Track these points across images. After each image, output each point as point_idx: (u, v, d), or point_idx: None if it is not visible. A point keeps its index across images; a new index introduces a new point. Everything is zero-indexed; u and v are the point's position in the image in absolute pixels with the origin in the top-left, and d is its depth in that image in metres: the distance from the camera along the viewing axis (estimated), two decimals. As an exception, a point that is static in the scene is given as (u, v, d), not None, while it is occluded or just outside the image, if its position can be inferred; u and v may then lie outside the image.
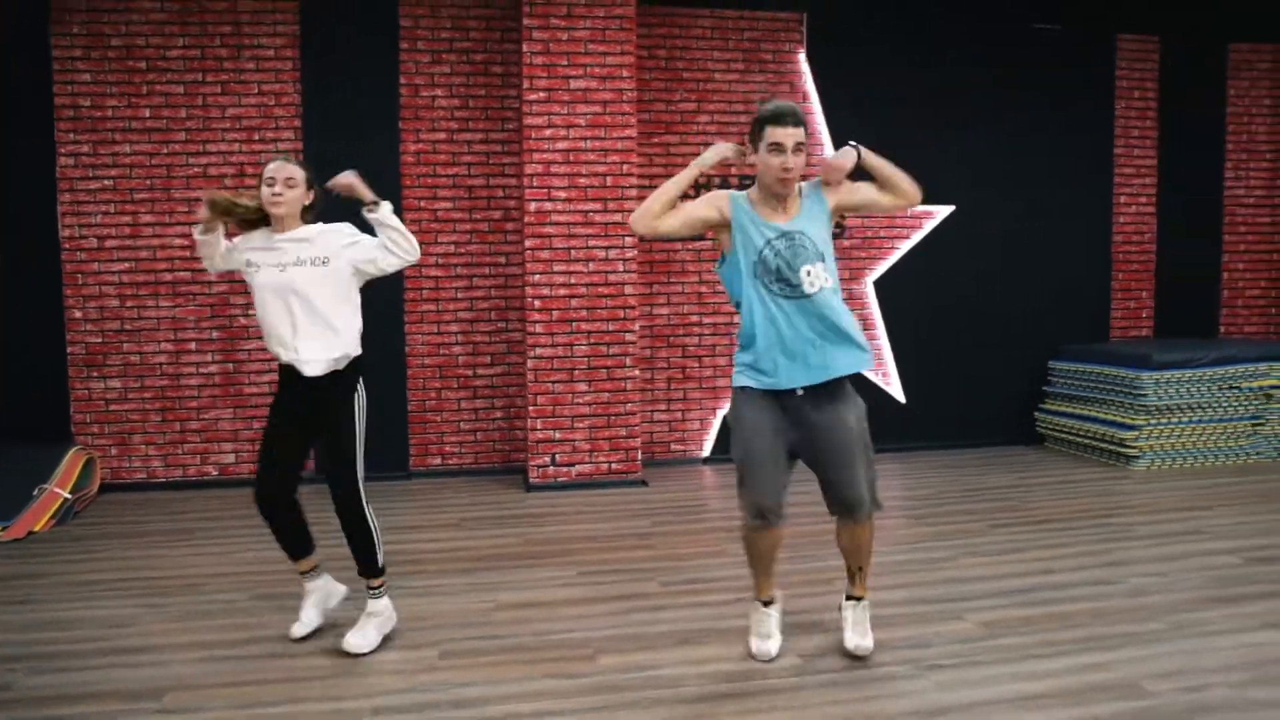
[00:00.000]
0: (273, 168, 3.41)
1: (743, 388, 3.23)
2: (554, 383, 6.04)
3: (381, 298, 6.22)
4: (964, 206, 6.96)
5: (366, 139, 6.17)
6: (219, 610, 4.03)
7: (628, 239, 6.04)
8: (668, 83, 6.55)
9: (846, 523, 3.34)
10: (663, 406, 6.73)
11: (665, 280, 6.65)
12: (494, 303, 6.45)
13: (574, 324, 6.02)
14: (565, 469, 6.09)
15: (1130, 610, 3.76)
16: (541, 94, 5.85)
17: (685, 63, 6.55)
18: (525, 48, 5.84)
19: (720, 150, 3.27)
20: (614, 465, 6.14)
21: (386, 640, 3.60)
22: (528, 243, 5.97)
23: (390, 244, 3.47)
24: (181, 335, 6.20)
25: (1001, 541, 4.76)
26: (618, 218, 5.99)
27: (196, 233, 3.51)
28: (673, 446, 6.77)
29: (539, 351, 6.01)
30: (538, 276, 5.97)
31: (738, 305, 3.27)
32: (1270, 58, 7.57)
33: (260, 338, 6.15)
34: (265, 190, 3.39)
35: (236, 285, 6.20)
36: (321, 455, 3.65)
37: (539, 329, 6.00)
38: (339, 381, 3.48)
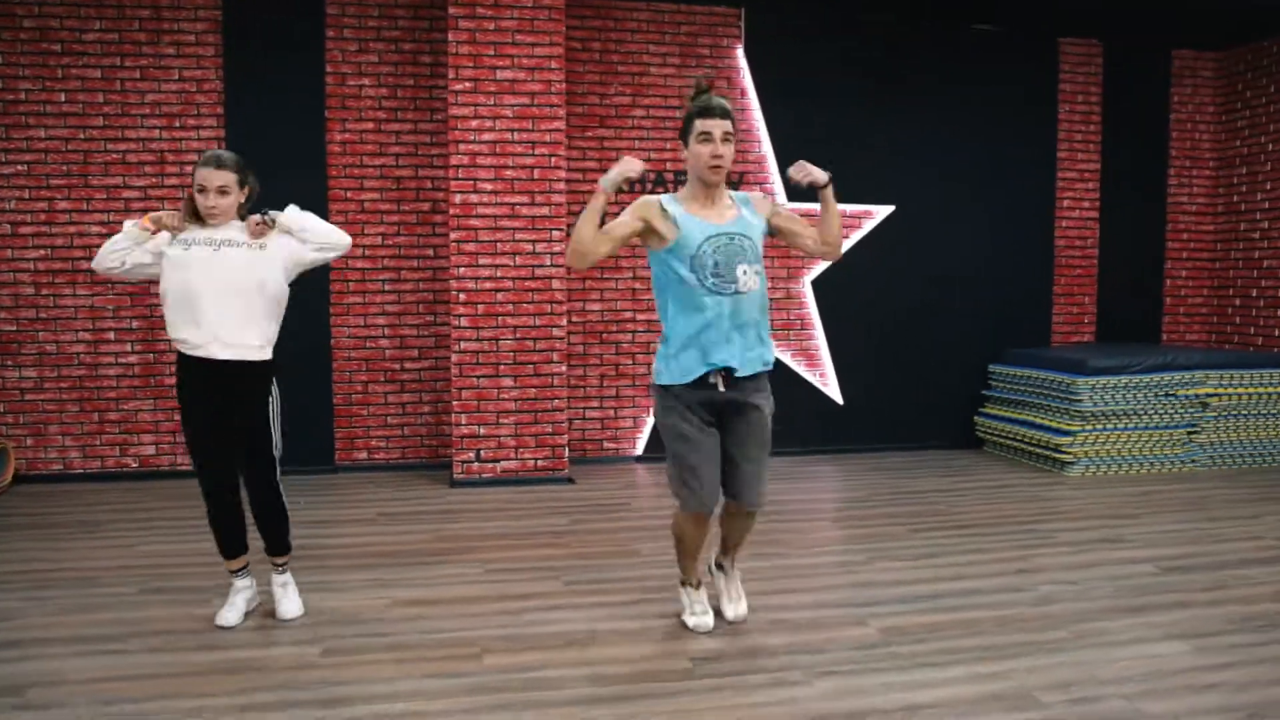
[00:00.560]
0: (203, 175, 3.37)
1: (665, 386, 3.33)
2: (479, 377, 5.92)
3: (307, 288, 6.09)
4: (905, 206, 6.91)
5: (291, 128, 6.03)
6: (104, 604, 3.90)
7: (555, 233, 5.93)
8: (602, 76, 6.44)
9: (740, 511, 3.50)
10: (594, 404, 6.63)
11: (599, 276, 6.54)
12: (422, 296, 6.32)
13: (500, 318, 5.91)
14: (490, 465, 5.98)
15: (1034, 619, 3.69)
16: (468, 84, 5.74)
17: (620, 56, 6.45)
18: (451, 37, 5.71)
19: (623, 169, 3.20)
20: (540, 462, 6.03)
21: (271, 635, 3.50)
22: (453, 235, 5.84)
23: (314, 247, 3.55)
24: (100, 324, 6.03)
25: (919, 546, 4.69)
26: (545, 211, 5.88)
27: (133, 226, 3.42)
28: (605, 444, 6.67)
29: (464, 345, 5.89)
30: (463, 269, 5.85)
31: (661, 297, 3.35)
32: (1213, 65, 7.59)
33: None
34: (199, 199, 3.39)
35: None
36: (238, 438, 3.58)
37: (464, 323, 5.88)
38: (258, 368, 3.54)
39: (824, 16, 6.74)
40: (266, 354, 3.54)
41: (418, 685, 3.11)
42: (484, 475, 5.97)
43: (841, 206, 6.54)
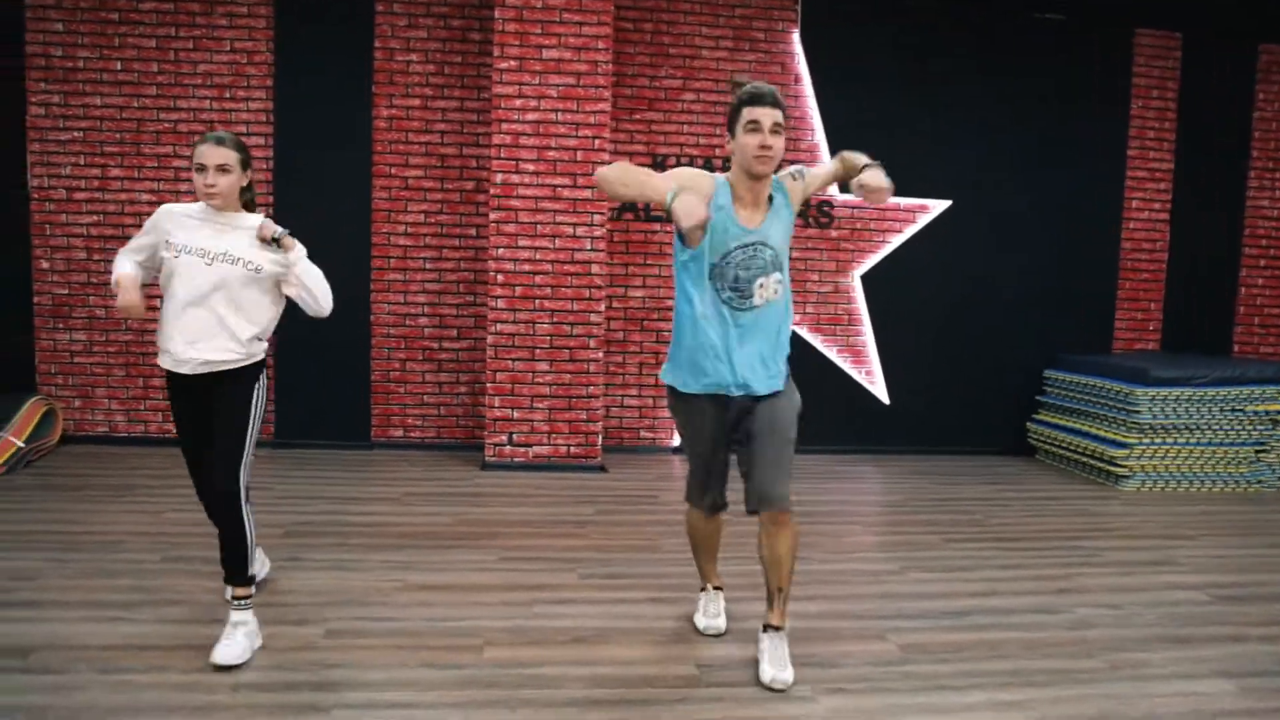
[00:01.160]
0: (203, 152, 3.12)
1: (672, 388, 3.24)
2: (514, 360, 5.85)
3: (348, 265, 6.12)
4: (961, 201, 6.64)
5: (339, 101, 6.03)
6: (124, 570, 3.94)
7: (597, 216, 5.83)
8: (652, 58, 6.30)
9: (767, 518, 3.13)
10: (633, 392, 6.52)
11: (641, 262, 6.42)
12: (463, 275, 6.28)
13: (537, 301, 5.83)
14: (522, 449, 5.92)
15: (1068, 644, 3.48)
16: (513, 62, 5.64)
17: (672, 38, 6.29)
18: (498, 14, 5.63)
19: (685, 210, 2.75)
20: (573, 449, 5.95)
21: (279, 613, 3.46)
22: (493, 215, 5.78)
23: (294, 288, 3.21)
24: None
25: (953, 558, 4.50)
26: (587, 194, 5.77)
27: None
28: (641, 434, 6.57)
29: (500, 328, 5.83)
30: (501, 250, 5.78)
31: (678, 286, 3.19)
32: (1306, 62, 7.15)
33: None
34: (197, 178, 3.14)
35: (203, 243, 6.09)
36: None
37: (501, 304, 5.82)
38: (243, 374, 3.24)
39: (882, 2, 6.50)
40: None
41: (413, 674, 3.06)
42: (515, 459, 5.91)
43: (895, 200, 6.49)
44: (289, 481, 5.49)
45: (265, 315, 3.23)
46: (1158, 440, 6.03)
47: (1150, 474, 6.04)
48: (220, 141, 3.15)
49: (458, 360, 6.34)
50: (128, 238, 5.96)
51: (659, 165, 6.29)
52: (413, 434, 6.36)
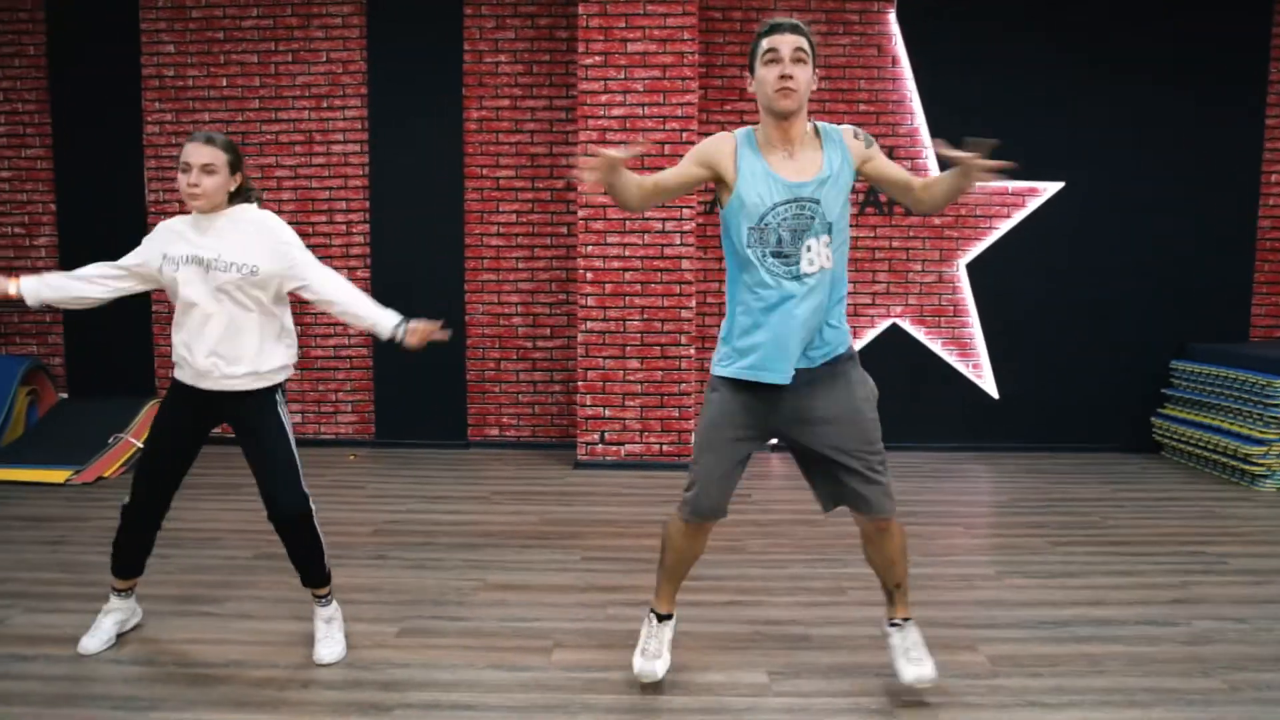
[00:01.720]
0: (188, 150, 2.93)
1: (719, 376, 2.80)
2: (605, 358, 5.82)
3: (442, 266, 6.22)
4: (1075, 183, 6.23)
5: (430, 106, 6.14)
6: (217, 565, 4.09)
7: (685, 210, 5.73)
8: (742, 47, 6.14)
9: (872, 526, 2.85)
10: (728, 390, 6.40)
11: (736, 257, 6.29)
12: (555, 274, 6.29)
13: (627, 298, 5.78)
14: (614, 448, 5.88)
15: (1181, 660, 3.18)
16: (598, 58, 5.60)
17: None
18: (581, 9, 5.60)
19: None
20: (665, 447, 5.88)
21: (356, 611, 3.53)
22: (581, 213, 5.76)
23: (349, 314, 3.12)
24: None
25: (1058, 562, 4.21)
26: (676, 189, 5.69)
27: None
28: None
29: (590, 325, 5.81)
30: (590, 248, 5.76)
31: (727, 260, 2.80)
32: None
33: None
34: (180, 179, 2.94)
35: (311, 247, 6.29)
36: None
37: (590, 302, 5.79)
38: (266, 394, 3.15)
39: (987, -25, 6.17)
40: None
41: (479, 675, 3.04)
42: (608, 458, 5.88)
43: (1004, 183, 6.15)
44: (385, 481, 5.61)
45: (274, 325, 3.09)
46: (1301, 436, 5.53)
47: (1292, 473, 5.55)
48: (208, 140, 2.96)
49: (551, 359, 6.36)
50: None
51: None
52: (508, 433, 6.41)
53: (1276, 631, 3.44)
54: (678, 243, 5.74)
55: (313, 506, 3.16)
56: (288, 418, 3.19)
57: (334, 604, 3.28)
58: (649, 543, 4.46)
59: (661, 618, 3.05)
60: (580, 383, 5.87)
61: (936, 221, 6.27)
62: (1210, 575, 4.07)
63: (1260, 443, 5.55)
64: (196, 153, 2.92)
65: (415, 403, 6.32)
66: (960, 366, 6.38)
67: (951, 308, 6.34)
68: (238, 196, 3.05)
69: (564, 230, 6.25)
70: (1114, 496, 5.39)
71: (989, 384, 6.40)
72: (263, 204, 3.15)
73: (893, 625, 2.95)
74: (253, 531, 4.54)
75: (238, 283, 2.96)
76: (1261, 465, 5.53)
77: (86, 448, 5.66)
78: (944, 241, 6.30)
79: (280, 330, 3.13)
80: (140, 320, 6.37)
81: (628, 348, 5.82)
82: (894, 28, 6.15)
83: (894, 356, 6.27)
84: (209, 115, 6.19)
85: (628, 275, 5.77)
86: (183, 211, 3.18)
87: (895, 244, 6.28)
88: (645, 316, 5.80)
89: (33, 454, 5.62)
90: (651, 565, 4.05)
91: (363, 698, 2.89)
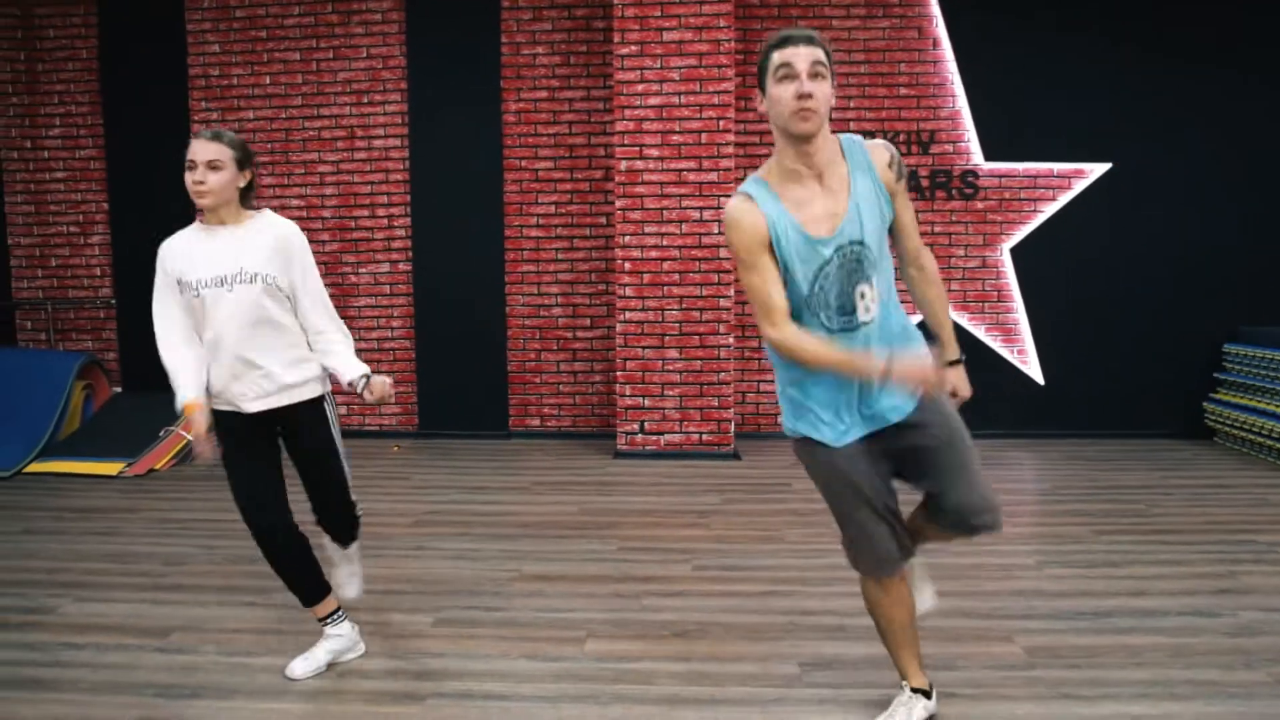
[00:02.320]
0: (194, 147, 2.81)
1: (805, 439, 2.53)
2: (644, 348, 5.83)
3: (482, 259, 6.28)
4: (1123, 163, 6.09)
5: (469, 99, 6.19)
6: (260, 557, 4.14)
7: (722, 199, 5.71)
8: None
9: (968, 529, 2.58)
10: (769, 377, 6.38)
11: (774, 244, 6.25)
12: (594, 265, 6.31)
13: (665, 288, 5.78)
14: (654, 437, 5.90)
15: (1225, 653, 3.10)
16: (633, 47, 5.60)
17: (799, 10, 6.08)
18: (617, -1, 5.61)
19: None
20: (705, 436, 5.88)
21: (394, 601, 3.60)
22: (618, 203, 5.76)
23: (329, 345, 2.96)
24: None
25: (1100, 551, 4.13)
26: (713, 176, 5.67)
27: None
28: (779, 420, 6.40)
29: (629, 316, 5.82)
30: (628, 238, 5.76)
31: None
32: None
33: (369, 294, 6.41)
34: (187, 177, 2.80)
35: (347, 244, 6.40)
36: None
37: (629, 292, 5.80)
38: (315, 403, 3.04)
39: (1031, -48, 6.03)
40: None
41: (512, 665, 3.08)
42: (647, 448, 5.90)
43: (1049, 165, 6.04)
44: (428, 472, 5.69)
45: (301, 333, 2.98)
46: (1361, 421, 5.36)
47: (1353, 459, 5.38)
48: (214, 137, 2.84)
49: (591, 349, 6.39)
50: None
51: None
52: (549, 423, 6.46)
53: (1327, 624, 3.36)
54: (715, 231, 5.72)
55: (359, 513, 3.32)
56: (336, 422, 3.10)
57: (354, 547, 3.38)
58: (687, 533, 4.48)
59: (920, 692, 2.72)
60: (619, 372, 5.89)
61: (979, 206, 6.16)
62: (1260, 564, 3.96)
63: (1318, 428, 5.40)
64: (202, 149, 2.80)
65: (457, 394, 6.40)
66: (1005, 352, 6.28)
67: (995, 293, 6.24)
68: (248, 195, 2.93)
69: (603, 221, 6.26)
70: (1162, 484, 5.27)
71: (1034, 370, 6.30)
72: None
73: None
74: (299, 523, 4.63)
75: (263, 294, 2.84)
76: (1319, 451, 5.38)
77: (139, 441, 5.82)
78: (987, 226, 6.19)
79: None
80: (191, 315, 6.52)
81: (666, 337, 5.82)
82: (935, 9, 6.05)
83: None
84: (253, 113, 6.31)
85: (666, 265, 5.77)
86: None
87: (937, 229, 6.19)
88: (684, 306, 5.79)
89: (87, 447, 5.80)
90: (685, 556, 4.10)
91: (397, 687, 2.94)
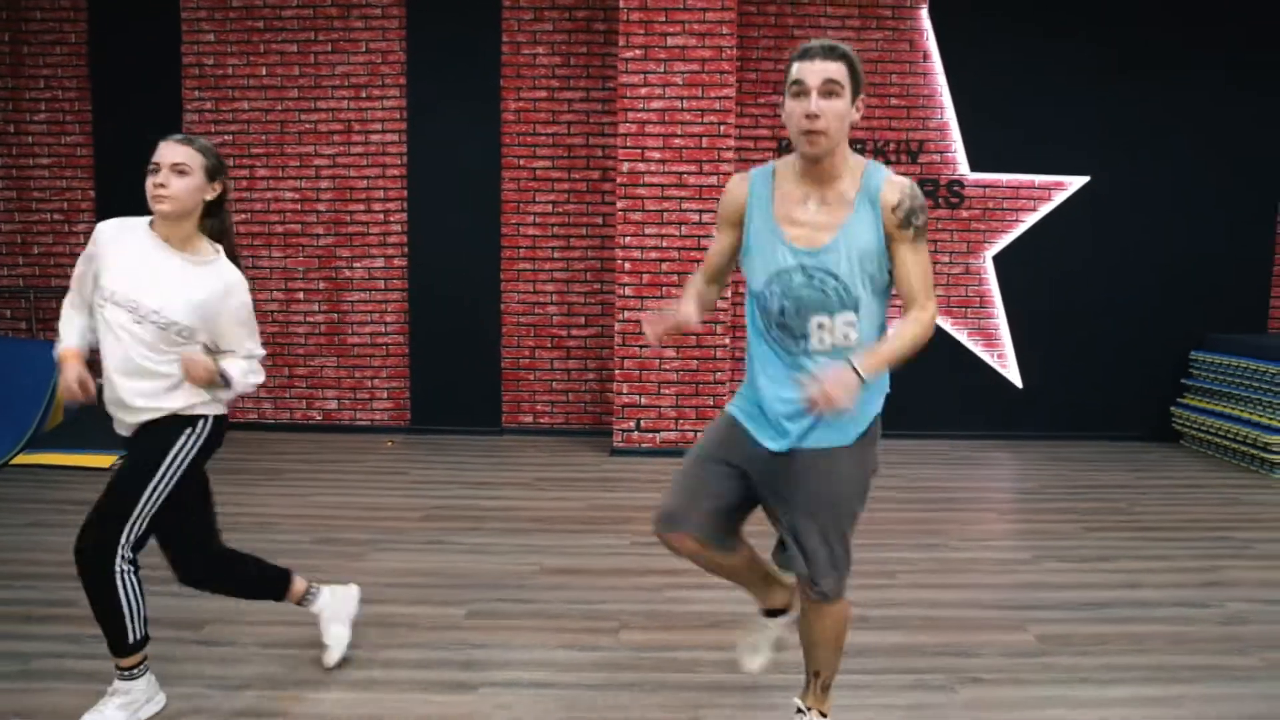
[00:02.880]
0: (160, 149, 2.57)
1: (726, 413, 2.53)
2: (642, 347, 5.94)
3: (478, 255, 6.33)
4: (1099, 176, 6.36)
5: (468, 96, 6.22)
6: (280, 550, 4.14)
7: (722, 203, 5.84)
8: (776, 40, 6.24)
9: (804, 595, 2.47)
10: (758, 378, 6.52)
11: (766, 247, 6.40)
12: (590, 264, 6.39)
13: (664, 288, 5.89)
14: (650, 435, 6.00)
15: (1220, 640, 3.34)
16: (638, 51, 5.69)
17: (796, 19, 6.22)
18: (622, 3, 5.68)
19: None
20: (699, 435, 5.99)
21: (421, 594, 3.63)
22: (619, 204, 5.86)
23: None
24: (291, 285, 6.45)
25: (1092, 547, 4.36)
26: (713, 180, 5.79)
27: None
28: (767, 419, 6.56)
29: (628, 315, 5.92)
30: (628, 239, 5.86)
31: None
32: None
33: (364, 289, 6.41)
34: (148, 181, 2.56)
35: (342, 238, 6.40)
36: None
37: (628, 292, 5.90)
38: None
39: (1017, -29, 6.27)
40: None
41: (553, 655, 3.17)
42: (643, 445, 6.01)
43: (1030, 177, 6.29)
44: (425, 467, 5.73)
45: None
46: (1319, 426, 5.68)
47: (1310, 461, 5.70)
48: (186, 141, 2.60)
49: (585, 347, 6.47)
50: (273, 235, 6.39)
51: (785, 149, 6.27)
52: (542, 420, 6.53)
53: (1308, 613, 3.61)
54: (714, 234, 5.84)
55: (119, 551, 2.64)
56: (182, 455, 2.68)
57: (141, 681, 2.72)
58: (696, 527, 4.60)
59: (765, 615, 2.81)
60: (617, 371, 5.99)
61: (964, 214, 6.39)
62: (1240, 559, 4.22)
63: (1279, 431, 5.70)
64: (170, 151, 2.56)
65: (450, 389, 6.43)
66: (985, 356, 6.51)
67: (978, 299, 6.47)
68: (215, 209, 2.69)
69: (599, 220, 6.35)
70: (1139, 484, 5.54)
71: (1013, 374, 6.54)
72: (233, 240, 2.77)
73: (798, 713, 2.63)
74: (307, 516, 4.67)
75: (166, 340, 2.58)
76: (1280, 454, 5.70)
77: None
78: (971, 234, 6.42)
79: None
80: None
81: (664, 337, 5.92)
82: (926, 23, 6.25)
83: (911, 362, 6.38)
84: (248, 104, 6.27)
85: (665, 266, 5.87)
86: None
87: (922, 235, 6.39)
88: (680, 306, 5.90)
89: (76, 439, 5.71)
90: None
91: (446, 676, 3.01)
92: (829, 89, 2.15)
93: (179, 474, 2.65)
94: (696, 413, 5.99)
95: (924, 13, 6.24)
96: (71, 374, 2.58)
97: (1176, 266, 6.50)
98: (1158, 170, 6.42)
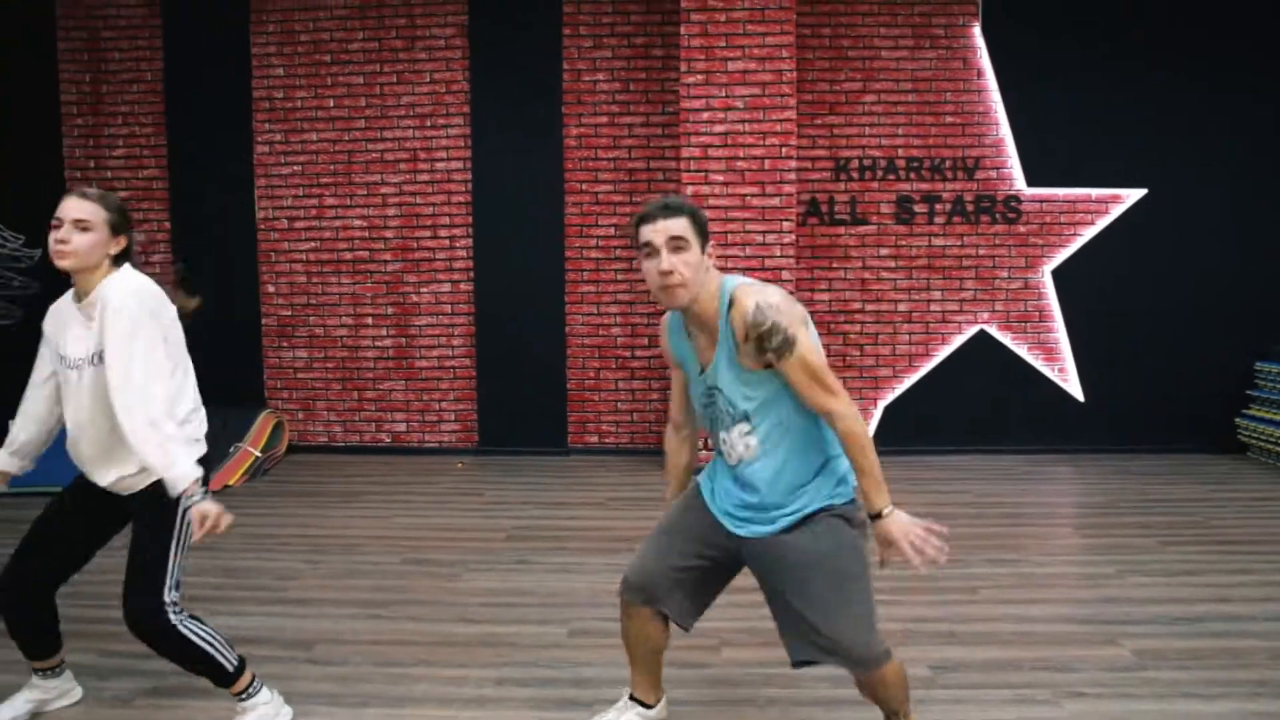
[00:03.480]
0: (64, 204, 2.58)
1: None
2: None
3: (543, 279, 6.44)
4: (1158, 189, 6.38)
5: (530, 123, 6.35)
6: (369, 571, 4.30)
7: (785, 223, 5.91)
8: (831, 62, 6.34)
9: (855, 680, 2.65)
10: (820, 395, 6.57)
11: (828, 265, 6.48)
12: (652, 285, 6.48)
13: (728, 309, 5.97)
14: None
15: (1318, 653, 3.36)
16: (699, 77, 5.80)
17: (850, 40, 6.32)
18: (683, 30, 5.79)
19: None
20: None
21: (520, 613, 3.71)
22: (683, 226, 5.94)
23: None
24: (360, 310, 6.60)
25: (1173, 561, 4.37)
26: (775, 201, 5.87)
27: None
28: (829, 436, 6.60)
29: (692, 336, 5.99)
30: (692, 261, 5.94)
31: None
32: None
33: (431, 313, 6.54)
34: (50, 235, 2.58)
35: (409, 264, 6.54)
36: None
37: (692, 313, 5.98)
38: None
39: (1069, -14, 6.33)
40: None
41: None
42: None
43: (1086, 190, 6.33)
44: (499, 488, 5.82)
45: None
46: (1390, 435, 5.66)
47: (1382, 471, 5.68)
48: (84, 196, 2.60)
49: (649, 367, 6.56)
50: (342, 262, 6.55)
51: (841, 169, 6.37)
52: (608, 440, 6.62)
53: (1406, 626, 3.60)
54: (778, 254, 5.92)
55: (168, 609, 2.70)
56: (185, 517, 2.73)
57: (259, 696, 2.84)
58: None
59: (631, 700, 2.91)
60: (681, 390, 6.06)
61: (1022, 229, 6.42)
62: (1326, 573, 4.22)
63: (1350, 442, 5.69)
64: (73, 206, 2.57)
65: (516, 411, 6.54)
66: (1046, 371, 6.54)
67: (1037, 313, 6.50)
68: (122, 260, 2.68)
69: (659, 242, 6.44)
70: (1212, 497, 5.53)
71: (1074, 387, 6.56)
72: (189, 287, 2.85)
73: None
74: (390, 538, 4.77)
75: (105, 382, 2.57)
76: (1352, 464, 5.67)
77: (207, 457, 5.89)
78: (1029, 249, 6.45)
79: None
80: (250, 331, 6.62)
81: (728, 356, 6.00)
82: (979, 41, 6.32)
83: (981, 362, 6.44)
84: (316, 135, 6.44)
85: (728, 286, 5.95)
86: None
87: (982, 251, 6.44)
88: (745, 326, 5.97)
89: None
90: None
91: (558, 694, 3.08)
92: (676, 245, 2.32)
93: (189, 519, 2.70)
94: (762, 431, 6.04)
95: (976, 30, 6.31)
96: None
97: (1237, 277, 6.49)
98: (1216, 181, 6.43)
